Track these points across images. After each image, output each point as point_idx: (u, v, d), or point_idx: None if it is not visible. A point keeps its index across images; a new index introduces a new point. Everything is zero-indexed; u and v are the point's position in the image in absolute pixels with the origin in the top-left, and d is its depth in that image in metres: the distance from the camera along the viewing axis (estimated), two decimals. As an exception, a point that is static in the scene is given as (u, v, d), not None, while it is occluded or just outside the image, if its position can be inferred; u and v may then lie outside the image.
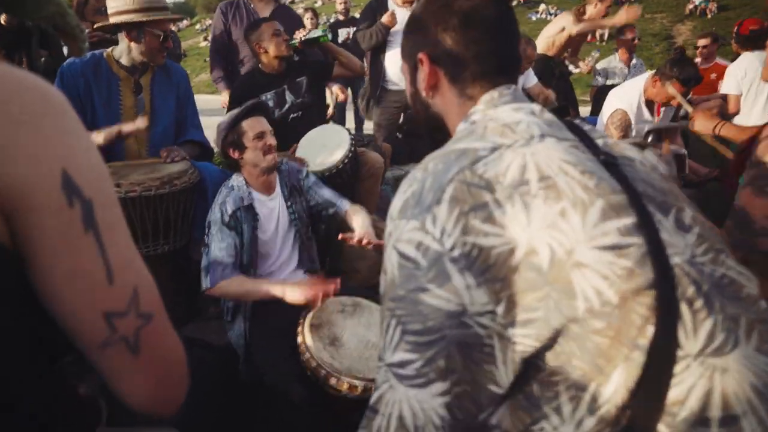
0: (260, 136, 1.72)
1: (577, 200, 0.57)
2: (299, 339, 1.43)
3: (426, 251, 0.59)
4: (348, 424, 1.30)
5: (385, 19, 3.06)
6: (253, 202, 1.73)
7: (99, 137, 1.89)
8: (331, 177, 2.22)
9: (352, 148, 2.31)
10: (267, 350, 1.56)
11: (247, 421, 1.57)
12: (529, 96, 3.33)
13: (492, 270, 0.56)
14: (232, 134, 1.73)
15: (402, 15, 3.09)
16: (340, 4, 5.66)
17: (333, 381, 1.31)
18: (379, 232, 2.23)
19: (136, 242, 1.74)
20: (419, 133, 2.76)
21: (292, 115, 2.60)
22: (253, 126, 1.72)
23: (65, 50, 2.58)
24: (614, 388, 0.55)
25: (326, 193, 1.92)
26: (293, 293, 1.53)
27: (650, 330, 0.54)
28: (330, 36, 3.12)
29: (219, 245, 1.63)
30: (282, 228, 1.82)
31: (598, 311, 0.54)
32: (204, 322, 2.07)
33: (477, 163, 0.61)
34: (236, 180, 1.76)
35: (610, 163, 0.64)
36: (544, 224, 0.56)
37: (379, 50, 3.20)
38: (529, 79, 3.48)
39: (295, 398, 1.38)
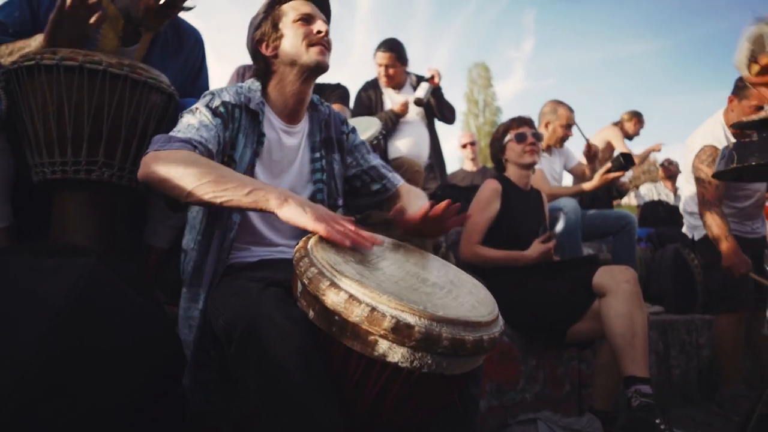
0: (306, 19, 1.22)
1: None
2: (296, 254, 0.87)
3: None
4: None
5: (398, 108, 2.85)
6: (262, 116, 1.21)
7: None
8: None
9: (381, 135, 2.04)
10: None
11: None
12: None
13: None
14: (266, 23, 1.24)
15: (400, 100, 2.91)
16: None
17: (335, 296, 0.75)
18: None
19: (57, 150, 1.21)
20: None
21: None
22: (297, 7, 1.23)
23: None
24: None
25: (375, 160, 1.39)
26: (297, 212, 0.91)
27: None
28: None
29: (188, 121, 1.08)
30: (294, 178, 1.27)
31: None
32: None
33: None
34: (249, 83, 1.26)
35: None
36: None
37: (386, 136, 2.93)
38: (570, 158, 3.16)
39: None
